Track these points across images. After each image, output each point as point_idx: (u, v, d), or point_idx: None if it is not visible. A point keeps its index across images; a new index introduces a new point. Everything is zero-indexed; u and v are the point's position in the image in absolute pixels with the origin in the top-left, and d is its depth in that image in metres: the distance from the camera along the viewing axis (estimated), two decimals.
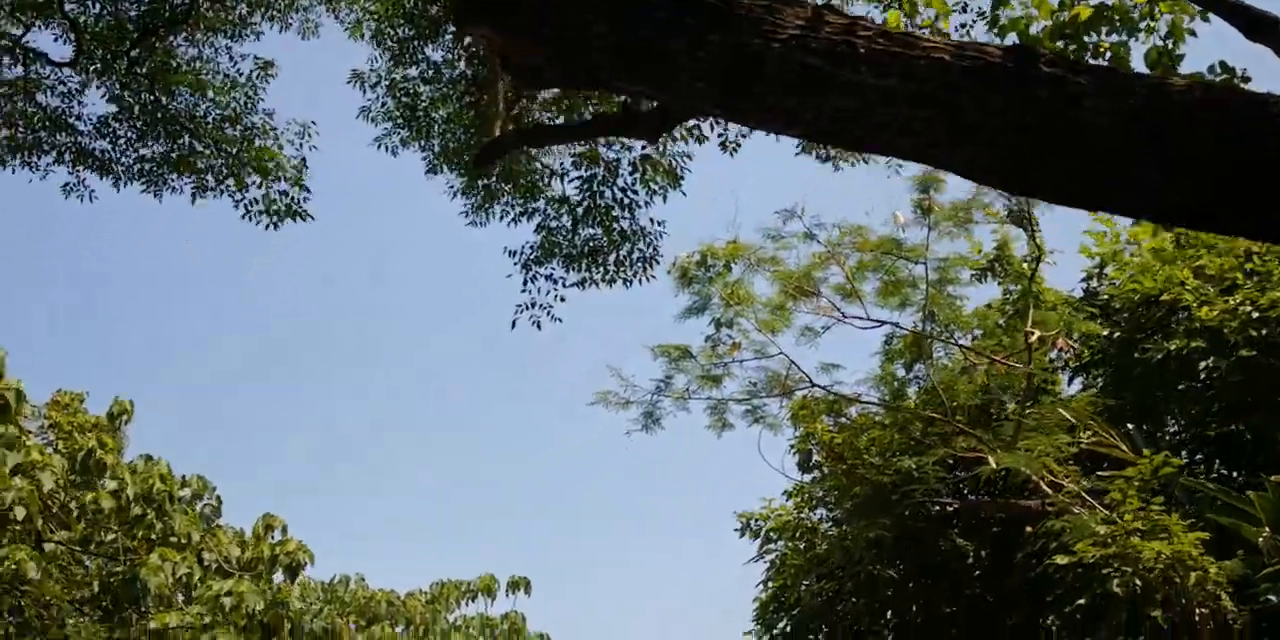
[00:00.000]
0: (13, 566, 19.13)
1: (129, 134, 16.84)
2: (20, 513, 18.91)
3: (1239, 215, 4.20)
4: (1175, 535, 14.18)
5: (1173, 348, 17.86)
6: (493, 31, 5.03)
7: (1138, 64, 8.85)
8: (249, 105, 17.28)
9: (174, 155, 16.91)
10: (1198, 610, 14.03)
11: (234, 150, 16.99)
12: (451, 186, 16.72)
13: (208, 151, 16.99)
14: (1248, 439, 17.70)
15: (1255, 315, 17.19)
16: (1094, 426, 16.74)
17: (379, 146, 16.68)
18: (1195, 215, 4.37)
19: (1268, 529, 14.09)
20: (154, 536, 21.82)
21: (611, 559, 53.94)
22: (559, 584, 45.42)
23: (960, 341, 19.59)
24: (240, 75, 17.36)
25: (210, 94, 17.04)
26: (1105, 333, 19.35)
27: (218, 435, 53.74)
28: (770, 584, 20.81)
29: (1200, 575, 14.00)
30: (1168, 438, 18.88)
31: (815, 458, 20.47)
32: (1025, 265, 19.17)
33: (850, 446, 19.28)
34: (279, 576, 24.11)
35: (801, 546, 20.49)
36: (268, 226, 17.20)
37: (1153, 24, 8.73)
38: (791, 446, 20.66)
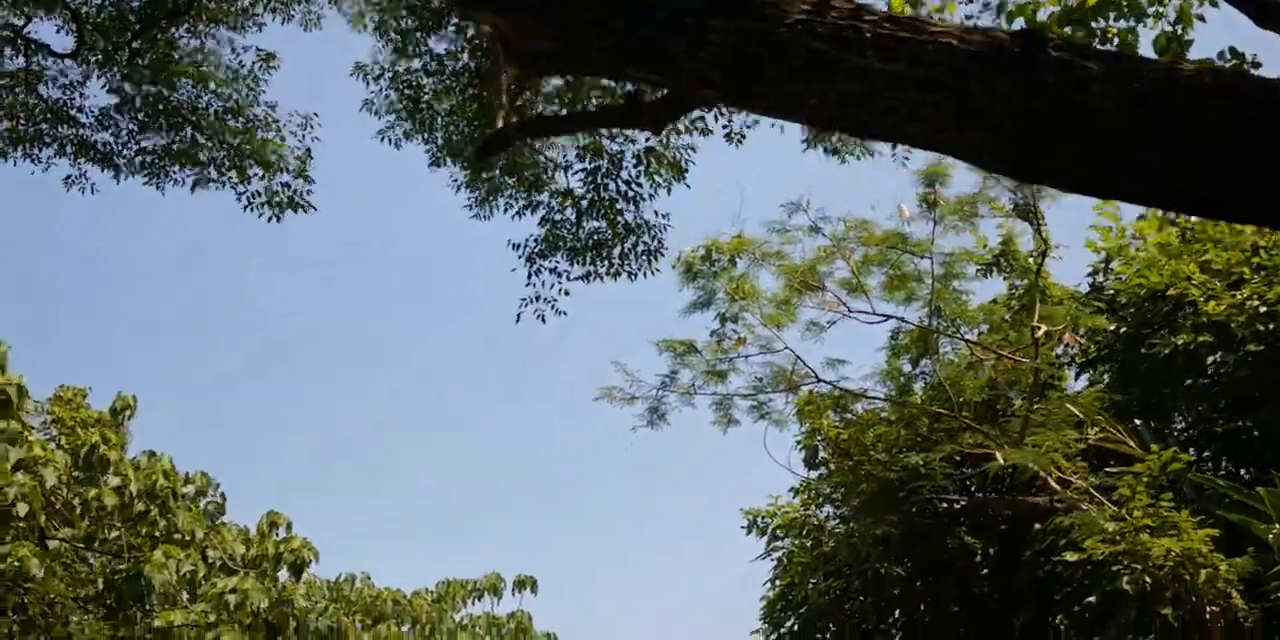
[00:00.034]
0: (15, 564, 19.03)
1: (131, 126, 16.83)
2: (23, 509, 18.79)
3: (1248, 202, 4.17)
4: (1185, 532, 14.08)
5: (1179, 343, 17.75)
6: (494, 14, 5.02)
7: (1146, 50, 8.78)
8: (251, 97, 17.26)
9: (175, 147, 16.87)
10: (1208, 608, 13.91)
11: (236, 142, 16.93)
12: (455, 180, 16.69)
13: (210, 143, 16.95)
14: (1256, 435, 17.60)
15: (1263, 310, 17.08)
16: (1101, 422, 16.64)
17: (382, 139, 16.65)
18: (1203, 201, 4.34)
19: (1278, 525, 13.97)
20: (158, 533, 21.70)
21: (612, 558, 53.99)
22: (559, 583, 45.31)
23: (966, 336, 19.51)
24: (242, 67, 17.36)
25: (212, 86, 17.03)
26: (1111, 328, 19.24)
27: (218, 435, 53.69)
28: (777, 582, 20.71)
29: (1210, 572, 13.89)
30: (1175, 433, 18.76)
31: (821, 454, 20.39)
32: (1031, 260, 19.06)
33: (856, 443, 19.19)
34: (284, 574, 24.01)
35: (808, 544, 20.38)
36: (269, 219, 17.17)
37: (1161, 9, 8.66)
38: (797, 442, 20.60)
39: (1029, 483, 17.33)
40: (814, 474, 20.92)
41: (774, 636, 20.53)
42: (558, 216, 16.30)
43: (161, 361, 56.84)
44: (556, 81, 15.33)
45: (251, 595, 21.41)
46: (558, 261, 16.28)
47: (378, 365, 61.67)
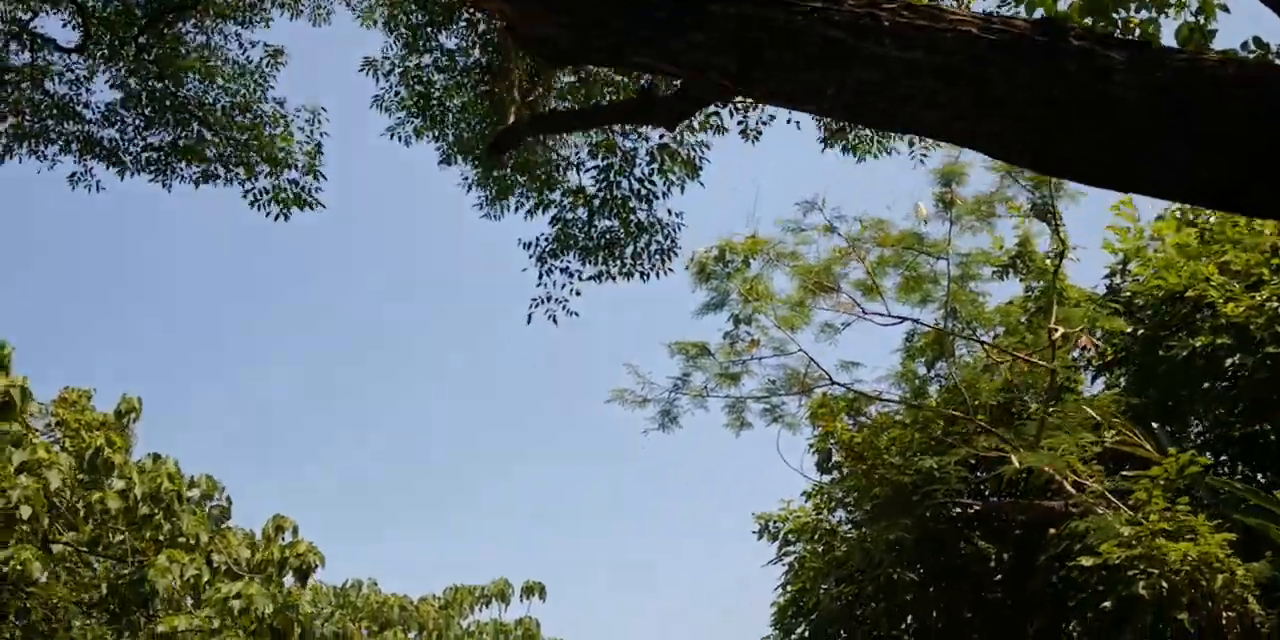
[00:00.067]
0: (19, 567, 18.99)
1: (137, 122, 16.71)
2: (26, 512, 18.74)
3: (1272, 192, 4.08)
4: (1201, 536, 13.92)
5: (1198, 345, 17.60)
6: (501, 1, 5.09)
7: (1168, 42, 8.62)
8: (259, 93, 17.14)
9: (182, 143, 16.74)
10: (1224, 613, 13.77)
11: (243, 138, 16.82)
12: (466, 178, 16.55)
13: (216, 140, 16.83)
14: (1274, 438, 17.45)
15: None
16: (1118, 425, 16.51)
17: (391, 136, 16.51)
18: (1226, 192, 4.22)
19: None
20: (162, 537, 21.63)
21: (612, 558, 54.19)
22: (560, 583, 45.42)
23: (982, 338, 19.36)
24: (250, 63, 17.26)
25: (219, 81, 16.91)
26: (1129, 330, 19.09)
27: (218, 435, 53.77)
28: (788, 587, 20.60)
29: (1227, 577, 13.74)
30: (1192, 437, 18.61)
31: (835, 457, 20.30)
32: (1048, 261, 18.91)
33: (870, 446, 19.09)
34: (289, 579, 23.95)
35: (820, 549, 20.28)
36: (276, 217, 17.04)
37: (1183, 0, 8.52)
38: (810, 446, 20.52)
39: (1044, 487, 17.15)
40: (827, 478, 20.85)
41: None
42: (569, 215, 16.14)
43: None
44: (569, 77, 15.21)
45: (256, 600, 21.35)
46: (569, 261, 16.13)
47: (378, 364, 61.74)
